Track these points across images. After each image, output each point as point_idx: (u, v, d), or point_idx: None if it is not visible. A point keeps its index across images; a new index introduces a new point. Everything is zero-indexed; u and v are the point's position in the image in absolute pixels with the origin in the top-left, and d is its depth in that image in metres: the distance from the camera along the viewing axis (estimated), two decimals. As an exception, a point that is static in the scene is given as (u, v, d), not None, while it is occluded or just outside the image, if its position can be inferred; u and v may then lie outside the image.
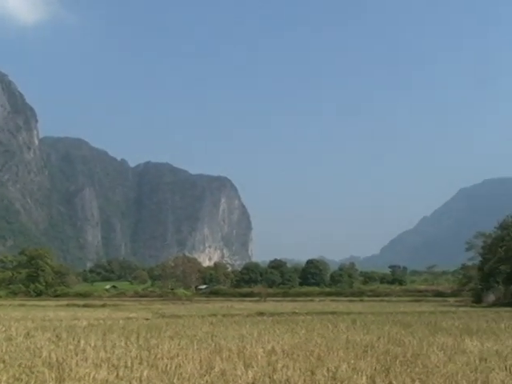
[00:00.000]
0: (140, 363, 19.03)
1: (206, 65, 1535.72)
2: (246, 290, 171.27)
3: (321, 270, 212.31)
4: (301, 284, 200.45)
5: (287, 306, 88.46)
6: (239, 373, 16.42)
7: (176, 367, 17.77)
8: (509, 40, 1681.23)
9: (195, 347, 23.94)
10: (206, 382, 15.24)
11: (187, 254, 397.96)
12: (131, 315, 56.76)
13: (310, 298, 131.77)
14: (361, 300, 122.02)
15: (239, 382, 15.28)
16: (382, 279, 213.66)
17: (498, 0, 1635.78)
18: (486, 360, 19.80)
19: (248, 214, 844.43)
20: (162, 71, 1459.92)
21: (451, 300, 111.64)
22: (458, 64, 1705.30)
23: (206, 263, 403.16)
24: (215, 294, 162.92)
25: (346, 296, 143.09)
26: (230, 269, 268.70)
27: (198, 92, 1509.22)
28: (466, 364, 18.74)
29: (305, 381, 15.07)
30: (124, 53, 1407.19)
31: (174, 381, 15.33)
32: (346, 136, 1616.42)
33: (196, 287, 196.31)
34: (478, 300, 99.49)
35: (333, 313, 61.73)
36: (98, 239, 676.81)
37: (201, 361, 19.38)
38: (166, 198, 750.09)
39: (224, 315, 55.72)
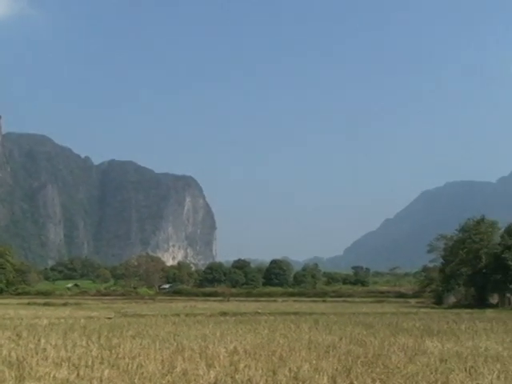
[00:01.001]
0: (101, 363, 18.89)
1: (177, 62, 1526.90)
2: (209, 289, 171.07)
3: (284, 270, 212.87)
4: (264, 284, 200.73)
5: (250, 306, 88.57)
6: (201, 373, 16.40)
7: (137, 367, 17.69)
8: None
9: (157, 347, 23.85)
10: (168, 381, 15.19)
11: (151, 253, 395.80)
12: (93, 314, 56.38)
13: (273, 299, 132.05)
14: (323, 300, 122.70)
15: (201, 381, 15.25)
16: (345, 280, 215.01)
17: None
18: (446, 361, 20.04)
19: (212, 214, 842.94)
20: (129, 69, 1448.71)
21: (413, 301, 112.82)
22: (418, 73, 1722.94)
23: (170, 262, 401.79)
24: (178, 293, 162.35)
25: (309, 296, 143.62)
26: (193, 268, 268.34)
27: (162, 91, 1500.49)
28: (426, 365, 18.94)
29: (266, 381, 15.09)
30: (90, 50, 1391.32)
31: (135, 381, 15.25)
32: (308, 134, 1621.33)
33: (159, 286, 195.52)
34: (439, 301, 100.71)
35: (296, 313, 61.96)
36: (61, 237, 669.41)
37: (163, 360, 19.32)
38: (130, 196, 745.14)
39: (187, 315, 55.63)
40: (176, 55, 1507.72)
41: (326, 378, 15.72)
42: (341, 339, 28.21)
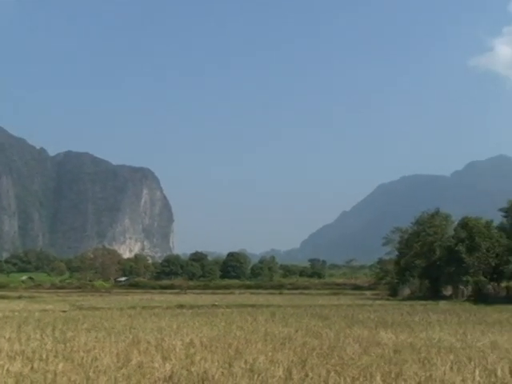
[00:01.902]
0: (55, 356, 18.73)
1: (143, 52, 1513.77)
2: (166, 282, 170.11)
3: (241, 263, 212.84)
4: (221, 277, 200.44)
5: (207, 298, 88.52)
6: (157, 365, 16.37)
7: (92, 360, 17.58)
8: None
9: (112, 340, 23.73)
10: (123, 374, 15.11)
11: (107, 245, 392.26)
12: (47, 307, 55.74)
13: (230, 291, 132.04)
14: (280, 293, 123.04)
15: (156, 374, 15.21)
16: (302, 272, 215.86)
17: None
18: (400, 352, 20.31)
19: (170, 206, 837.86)
20: (83, 57, 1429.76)
21: (368, 293, 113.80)
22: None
23: (127, 255, 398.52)
24: (135, 286, 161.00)
25: (266, 289, 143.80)
26: (150, 261, 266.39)
27: (118, 82, 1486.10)
28: (380, 356, 19.17)
29: (222, 373, 15.11)
30: (46, 36, 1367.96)
31: (90, 374, 15.14)
32: (270, 127, 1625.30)
33: (115, 279, 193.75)
34: (393, 293, 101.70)
35: (252, 305, 62.19)
36: (15, 229, 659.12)
37: (118, 353, 19.22)
38: (87, 188, 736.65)
39: (143, 307, 55.38)
40: (143, 44, 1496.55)
41: (281, 369, 15.80)
42: (297, 331, 28.39)
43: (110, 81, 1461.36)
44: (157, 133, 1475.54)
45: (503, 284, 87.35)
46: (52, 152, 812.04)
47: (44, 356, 18.48)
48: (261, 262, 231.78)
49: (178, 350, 20.24)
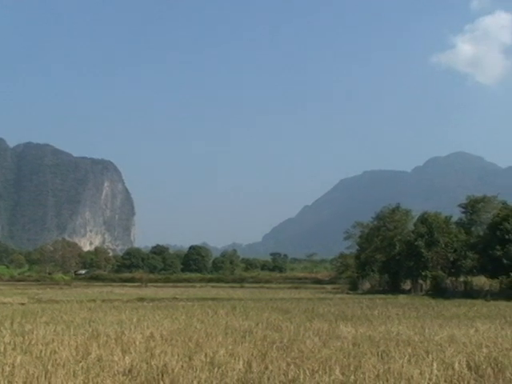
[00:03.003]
0: (13, 349, 18.56)
1: (103, 43, 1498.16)
2: (126, 275, 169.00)
3: (203, 256, 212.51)
4: (183, 270, 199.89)
5: (168, 291, 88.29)
6: (116, 359, 16.29)
7: (51, 353, 17.44)
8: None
9: (72, 333, 23.54)
10: (82, 368, 15.01)
11: (67, 238, 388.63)
12: (5, 300, 55.03)
13: (191, 284, 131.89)
14: (241, 286, 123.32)
15: (115, 367, 15.14)
16: (263, 266, 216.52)
17: None
18: (359, 345, 20.50)
19: (131, 199, 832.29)
20: (43, 46, 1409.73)
21: (329, 287, 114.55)
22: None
23: (87, 248, 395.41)
24: (95, 279, 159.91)
25: (228, 282, 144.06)
26: (111, 254, 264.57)
27: (81, 74, 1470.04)
28: (339, 349, 19.32)
29: (182, 366, 15.10)
30: (4, 29, 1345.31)
31: (49, 367, 15.01)
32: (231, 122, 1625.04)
33: (75, 272, 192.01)
34: (354, 287, 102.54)
35: (213, 299, 62.19)
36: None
37: (77, 347, 19.10)
38: (47, 180, 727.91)
39: (103, 300, 55.06)
40: (102, 35, 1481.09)
41: (241, 362, 15.85)
42: (257, 324, 28.47)
43: (73, 72, 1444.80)
44: (119, 125, 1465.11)
45: (461, 279, 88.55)
46: (11, 143, 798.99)
47: (2, 349, 18.28)
48: (222, 255, 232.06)
49: (137, 343, 20.16)
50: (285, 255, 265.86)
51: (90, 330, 24.58)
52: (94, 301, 53.97)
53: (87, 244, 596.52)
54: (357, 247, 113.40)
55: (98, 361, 16.22)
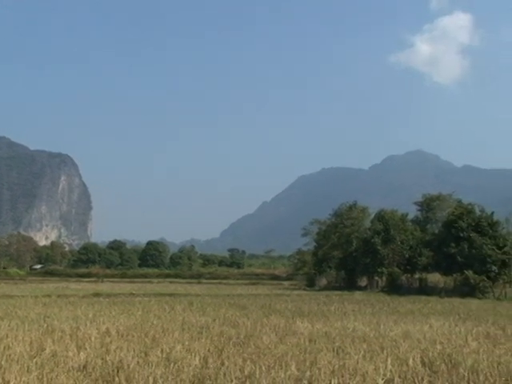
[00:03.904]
0: (-34, 345, 18.23)
1: (58, 33, 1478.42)
2: (83, 270, 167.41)
3: (160, 252, 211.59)
4: (140, 265, 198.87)
5: (125, 287, 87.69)
6: (71, 354, 16.16)
7: (5, 348, 17.22)
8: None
9: (26, 328, 23.29)
10: (36, 363, 14.85)
11: (23, 232, 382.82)
12: (-42, 295, 54.13)
13: (148, 280, 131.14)
14: (199, 282, 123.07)
15: (70, 363, 15.01)
16: (221, 262, 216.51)
17: None
18: (315, 341, 20.62)
19: (89, 194, 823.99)
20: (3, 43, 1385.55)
21: (286, 283, 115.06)
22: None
23: (43, 242, 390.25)
24: (51, 274, 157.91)
25: (185, 278, 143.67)
26: (67, 248, 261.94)
27: (39, 64, 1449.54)
28: (296, 345, 19.43)
29: (138, 362, 15.04)
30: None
31: (2, 362, 14.82)
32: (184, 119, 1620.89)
33: (30, 267, 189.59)
34: (311, 284, 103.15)
35: (171, 294, 62.03)
36: None
37: (31, 342, 18.89)
38: (2, 173, 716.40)
39: (59, 296, 54.50)
40: (57, 26, 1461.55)
41: (197, 358, 15.84)
42: (214, 320, 28.48)
43: (30, 63, 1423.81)
44: (77, 119, 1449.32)
45: (416, 275, 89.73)
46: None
47: (-47, 345, 17.98)
48: (180, 251, 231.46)
49: (93, 339, 20.00)
50: (243, 251, 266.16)
51: (45, 326, 24.32)
52: (49, 296, 53.36)
53: (43, 238, 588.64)
54: (314, 244, 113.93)
55: (53, 356, 16.06)
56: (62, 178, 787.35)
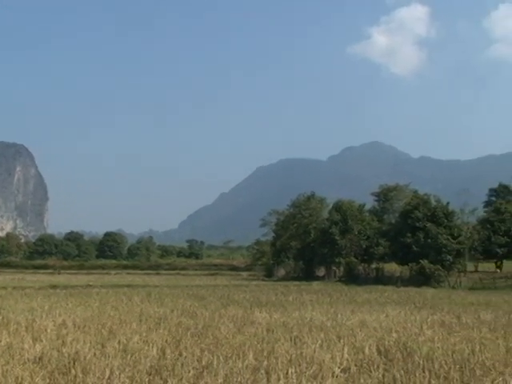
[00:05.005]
0: None
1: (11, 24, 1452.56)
2: (39, 262, 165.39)
3: (118, 243, 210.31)
4: (97, 257, 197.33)
5: (82, 278, 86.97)
6: (26, 346, 15.98)
7: (-43, 342, 16.93)
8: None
9: (-20, 321, 22.92)
10: (-10, 356, 14.64)
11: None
12: None
13: (106, 271, 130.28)
14: (157, 273, 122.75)
15: (26, 355, 14.84)
16: (179, 253, 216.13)
17: None
18: (272, 331, 20.71)
19: (45, 184, 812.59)
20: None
21: (245, 274, 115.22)
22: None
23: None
24: (6, 266, 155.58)
25: (143, 269, 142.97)
26: (23, 240, 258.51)
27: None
28: (254, 335, 19.49)
29: (95, 354, 14.93)
30: None
31: (-45, 356, 14.58)
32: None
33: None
34: (269, 274, 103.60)
35: (128, 286, 61.74)
36: None
37: (-15, 335, 18.60)
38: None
39: (14, 288, 53.80)
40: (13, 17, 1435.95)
41: (155, 349, 15.80)
42: (172, 311, 28.42)
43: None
44: (32, 108, 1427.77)
45: (373, 265, 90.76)
46: None
47: None
48: (138, 242, 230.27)
49: (49, 330, 19.80)
50: (201, 242, 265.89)
51: (0, 318, 23.99)
52: (4, 288, 52.63)
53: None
54: (273, 234, 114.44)
55: (8, 348, 15.86)
56: (18, 169, 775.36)
